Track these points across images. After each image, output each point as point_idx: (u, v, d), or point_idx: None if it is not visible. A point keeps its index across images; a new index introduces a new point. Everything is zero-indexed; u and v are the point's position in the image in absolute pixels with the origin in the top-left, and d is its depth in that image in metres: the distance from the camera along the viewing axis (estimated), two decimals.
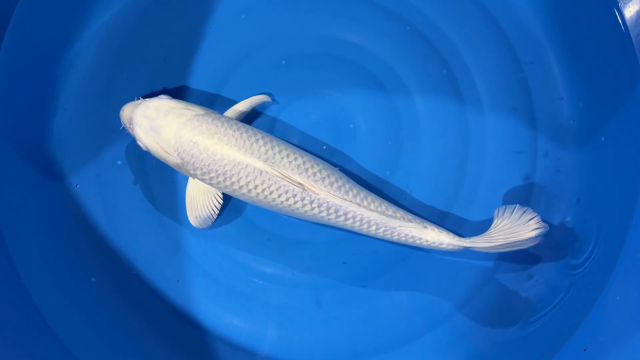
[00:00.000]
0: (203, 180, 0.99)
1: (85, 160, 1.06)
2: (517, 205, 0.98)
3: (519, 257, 1.02)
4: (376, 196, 1.01)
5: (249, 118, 1.08)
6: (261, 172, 0.97)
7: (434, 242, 1.00)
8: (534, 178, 1.07)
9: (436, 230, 1.00)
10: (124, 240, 1.06)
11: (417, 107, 1.09)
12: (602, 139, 1.04)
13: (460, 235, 0.99)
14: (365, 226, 1.00)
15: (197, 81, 1.10)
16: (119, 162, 1.08)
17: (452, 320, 1.05)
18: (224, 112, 1.03)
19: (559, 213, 1.05)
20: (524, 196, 1.06)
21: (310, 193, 0.97)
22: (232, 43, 1.09)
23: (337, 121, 1.09)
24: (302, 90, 1.09)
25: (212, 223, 1.03)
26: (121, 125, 1.01)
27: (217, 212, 1.03)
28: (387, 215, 0.99)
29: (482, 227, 1.03)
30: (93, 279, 1.04)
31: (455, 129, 1.08)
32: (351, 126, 1.10)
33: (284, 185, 0.98)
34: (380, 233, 1.00)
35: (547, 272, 1.04)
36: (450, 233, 1.00)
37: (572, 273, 1.00)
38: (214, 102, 1.10)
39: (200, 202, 1.03)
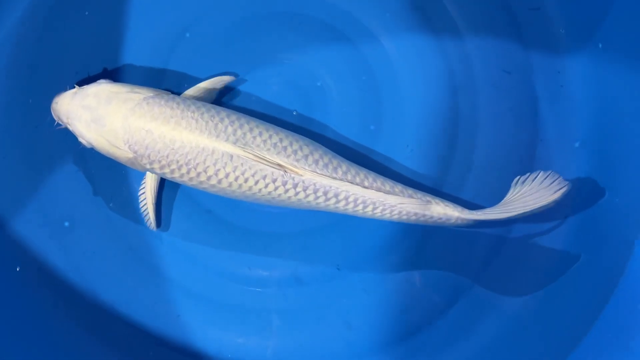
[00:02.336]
0: (162, 174, 0.90)
1: (18, 176, 0.99)
2: (540, 171, 0.90)
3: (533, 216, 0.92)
4: (369, 171, 0.92)
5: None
6: (231, 156, 0.87)
7: (441, 218, 0.91)
8: (538, 101, 0.99)
9: (441, 204, 0.91)
10: (84, 271, 1.00)
11: (387, 50, 1.01)
12: (600, 45, 0.94)
13: (468, 206, 0.91)
14: (360, 207, 0.90)
15: (138, 59, 1.01)
16: (56, 164, 0.99)
17: (471, 292, 0.98)
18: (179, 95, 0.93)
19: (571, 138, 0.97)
20: (530, 120, 0.99)
21: (292, 175, 0.88)
22: (172, 11, 1.01)
23: (302, 85, 1.00)
24: (258, 58, 1.00)
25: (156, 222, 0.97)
26: (55, 121, 0.91)
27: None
28: (385, 192, 0.89)
29: (488, 176, 0.98)
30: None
31: (435, 63, 1.00)
32: (319, 84, 1.00)
33: (260, 170, 0.88)
34: (378, 213, 0.91)
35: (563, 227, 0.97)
36: (457, 206, 0.91)
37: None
38: (161, 82, 1.01)
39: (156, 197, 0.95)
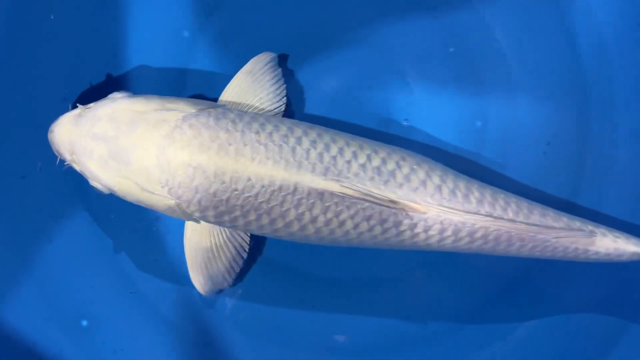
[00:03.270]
0: (219, 223, 0.73)
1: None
2: None
3: None
4: (508, 194, 0.74)
5: None
6: (322, 195, 0.69)
7: (609, 254, 0.73)
8: None
9: (609, 235, 0.73)
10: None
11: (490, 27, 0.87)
12: None
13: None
14: (502, 246, 0.72)
15: (150, 56, 0.85)
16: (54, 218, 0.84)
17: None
18: (217, 100, 0.80)
19: None
20: None
21: (411, 212, 0.69)
22: None
23: (383, 79, 0.86)
24: (315, 40, 0.86)
25: (232, 282, 0.80)
26: (57, 158, 0.74)
27: (240, 264, 0.79)
28: (543, 226, 0.71)
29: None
30: None
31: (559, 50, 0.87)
32: (401, 75, 0.86)
33: (363, 209, 0.70)
34: (525, 252, 0.73)
35: None
36: (631, 237, 0.74)
37: None
38: (185, 86, 0.85)
39: (211, 254, 0.77)
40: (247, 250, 0.78)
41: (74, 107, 0.72)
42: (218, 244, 0.76)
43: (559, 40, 0.86)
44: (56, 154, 0.72)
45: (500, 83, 0.87)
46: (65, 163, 0.72)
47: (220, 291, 0.80)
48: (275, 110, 0.77)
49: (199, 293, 0.79)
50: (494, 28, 0.86)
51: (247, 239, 0.78)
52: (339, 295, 0.85)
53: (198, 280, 0.77)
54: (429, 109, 0.86)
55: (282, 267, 0.84)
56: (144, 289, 0.84)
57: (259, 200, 0.68)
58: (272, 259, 0.84)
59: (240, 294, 0.84)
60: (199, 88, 0.85)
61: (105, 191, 0.71)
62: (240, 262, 0.78)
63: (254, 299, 0.84)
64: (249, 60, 0.80)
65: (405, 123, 0.84)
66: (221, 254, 0.76)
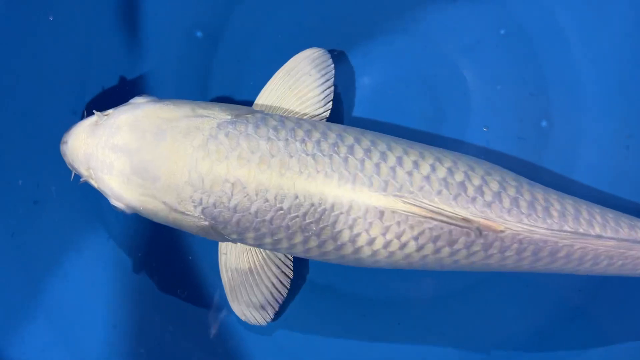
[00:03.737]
0: (260, 245, 0.64)
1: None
2: None
3: None
4: (590, 204, 0.66)
5: None
6: (382, 213, 0.59)
7: None
8: None
9: None
10: None
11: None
12: None
13: None
14: (588, 265, 0.64)
15: (165, 56, 0.77)
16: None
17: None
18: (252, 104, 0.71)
19: None
20: None
21: (486, 232, 0.60)
22: None
23: (431, 72, 0.78)
24: (351, 33, 0.78)
25: (277, 311, 0.71)
26: (71, 174, 0.65)
27: (286, 291, 0.70)
28: (634, 240, 0.63)
29: None
30: None
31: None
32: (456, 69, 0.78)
33: (430, 229, 0.60)
34: (613, 270, 0.65)
35: None
36: None
37: None
38: (206, 86, 0.77)
39: (252, 278, 0.68)
40: (291, 272, 0.69)
41: (89, 113, 0.62)
42: (259, 265, 0.67)
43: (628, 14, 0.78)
44: (70, 168, 0.63)
45: (563, 67, 0.78)
46: (81, 179, 0.63)
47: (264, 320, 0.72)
48: (321, 115, 0.68)
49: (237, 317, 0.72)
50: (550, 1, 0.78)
51: (290, 259, 0.69)
52: (389, 317, 0.77)
53: (239, 309, 0.69)
54: (485, 104, 0.77)
55: (322, 287, 0.77)
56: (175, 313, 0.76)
57: (307, 221, 0.59)
58: (313, 279, 0.76)
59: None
60: (224, 90, 0.77)
61: (128, 211, 0.62)
62: (286, 284, 0.70)
63: (293, 319, 0.76)
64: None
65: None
66: (263, 277, 0.68)
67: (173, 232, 0.75)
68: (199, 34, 0.77)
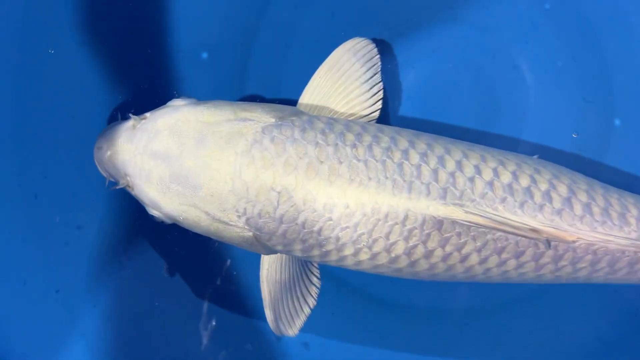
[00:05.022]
0: (307, 258, 0.60)
1: None
2: None
3: None
4: None
5: None
6: (441, 223, 0.55)
7: None
8: None
9: None
10: None
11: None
12: None
13: None
14: None
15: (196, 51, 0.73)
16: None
17: None
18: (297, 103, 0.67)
19: None
20: None
21: (556, 242, 0.56)
22: None
23: (484, 62, 0.73)
24: (398, 24, 0.73)
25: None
26: (105, 180, 0.63)
27: (314, 302, 0.67)
28: None
29: None
30: None
31: None
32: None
33: (494, 240, 0.56)
34: None
35: None
36: None
37: None
38: (242, 85, 0.73)
39: (289, 291, 0.65)
40: (319, 282, 0.66)
41: (125, 117, 0.59)
42: (296, 276, 0.64)
43: None
44: (104, 175, 0.59)
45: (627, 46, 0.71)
46: (118, 185, 0.59)
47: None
48: (370, 115, 0.63)
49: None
50: None
51: (317, 268, 0.66)
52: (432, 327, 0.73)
53: (274, 322, 0.65)
54: (544, 98, 0.71)
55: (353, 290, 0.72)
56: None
57: (359, 233, 0.54)
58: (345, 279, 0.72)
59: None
60: (263, 90, 0.72)
61: (168, 221, 0.58)
62: (315, 295, 0.66)
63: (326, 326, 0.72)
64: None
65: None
66: (297, 289, 0.64)
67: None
68: (233, 30, 0.72)
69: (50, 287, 0.72)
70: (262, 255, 0.64)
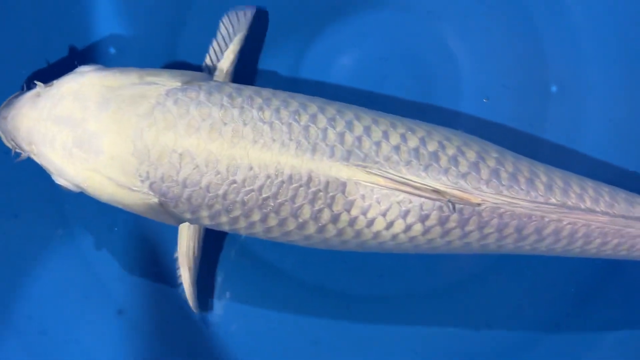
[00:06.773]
0: (215, 226, 0.59)
1: None
2: None
3: None
4: (582, 178, 0.61)
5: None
6: (344, 185, 0.55)
7: None
8: None
9: None
10: None
11: None
12: None
13: None
14: (578, 245, 0.58)
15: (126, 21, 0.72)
16: None
17: None
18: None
19: None
20: None
21: (461, 205, 0.55)
22: None
23: (414, 44, 0.73)
24: (330, 6, 0.72)
25: None
26: (11, 150, 0.60)
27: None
28: (632, 217, 0.57)
29: None
30: None
31: None
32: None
33: (398, 202, 0.55)
34: (607, 250, 0.59)
35: None
36: None
37: None
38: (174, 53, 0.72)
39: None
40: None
41: (31, 86, 0.58)
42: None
43: None
44: (9, 146, 0.59)
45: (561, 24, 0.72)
46: (22, 155, 0.58)
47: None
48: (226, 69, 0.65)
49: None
50: None
51: None
52: (380, 313, 0.72)
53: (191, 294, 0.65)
54: (478, 70, 0.72)
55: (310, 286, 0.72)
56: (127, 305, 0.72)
57: (264, 195, 0.54)
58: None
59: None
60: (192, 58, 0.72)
61: (74, 189, 0.57)
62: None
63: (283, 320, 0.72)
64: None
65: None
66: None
67: None
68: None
69: None
70: (180, 230, 0.64)
